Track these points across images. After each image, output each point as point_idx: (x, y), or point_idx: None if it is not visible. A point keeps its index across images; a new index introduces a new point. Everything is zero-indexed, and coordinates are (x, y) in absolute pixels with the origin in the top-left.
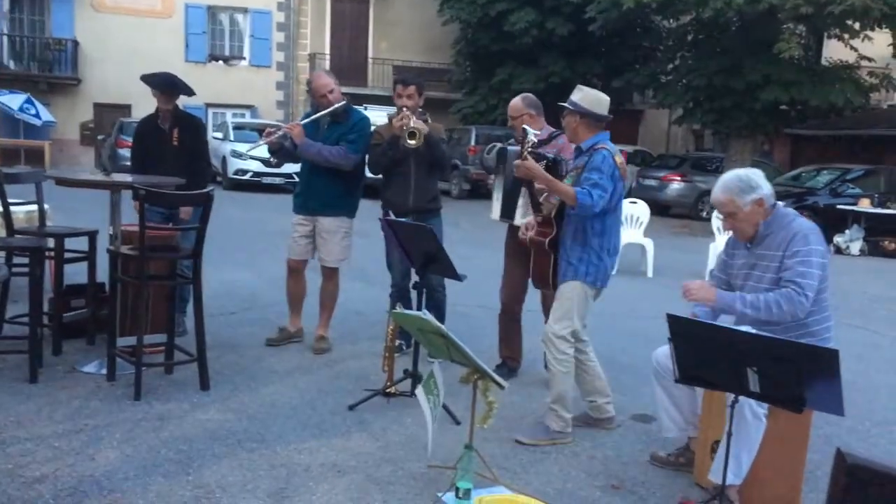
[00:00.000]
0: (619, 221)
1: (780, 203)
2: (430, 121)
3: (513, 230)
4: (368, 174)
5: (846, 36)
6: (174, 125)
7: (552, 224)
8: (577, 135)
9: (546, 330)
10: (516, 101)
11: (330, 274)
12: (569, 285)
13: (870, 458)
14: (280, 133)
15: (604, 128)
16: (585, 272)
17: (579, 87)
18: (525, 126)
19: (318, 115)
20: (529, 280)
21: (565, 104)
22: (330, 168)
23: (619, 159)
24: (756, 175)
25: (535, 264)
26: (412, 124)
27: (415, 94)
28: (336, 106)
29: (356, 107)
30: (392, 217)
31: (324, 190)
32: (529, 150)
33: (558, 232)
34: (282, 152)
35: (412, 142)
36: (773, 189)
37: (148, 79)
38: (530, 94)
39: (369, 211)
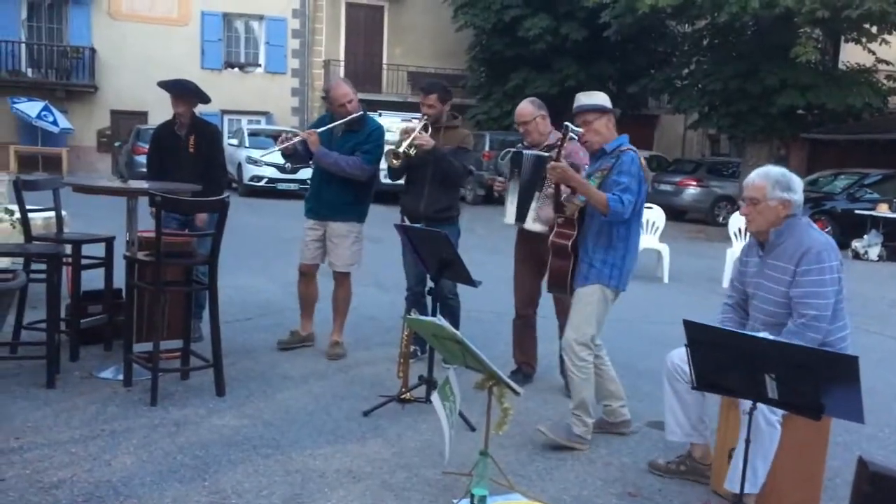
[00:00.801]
0: (641, 224)
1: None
2: (460, 126)
3: (523, 235)
4: (386, 179)
5: (863, 40)
6: (191, 132)
7: (574, 225)
8: (607, 137)
9: (566, 337)
10: (526, 106)
11: (341, 279)
12: (590, 289)
13: (892, 465)
14: (297, 139)
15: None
16: (609, 275)
17: (585, 92)
18: (567, 123)
19: (335, 124)
20: (542, 284)
21: (596, 108)
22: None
23: (643, 161)
24: (798, 182)
25: (553, 267)
26: (407, 142)
27: (436, 102)
28: (353, 116)
29: (371, 114)
30: (407, 223)
31: (334, 195)
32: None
33: (579, 234)
34: (295, 156)
35: (395, 161)
36: (802, 203)
37: (164, 84)
38: (535, 98)
39: (383, 217)
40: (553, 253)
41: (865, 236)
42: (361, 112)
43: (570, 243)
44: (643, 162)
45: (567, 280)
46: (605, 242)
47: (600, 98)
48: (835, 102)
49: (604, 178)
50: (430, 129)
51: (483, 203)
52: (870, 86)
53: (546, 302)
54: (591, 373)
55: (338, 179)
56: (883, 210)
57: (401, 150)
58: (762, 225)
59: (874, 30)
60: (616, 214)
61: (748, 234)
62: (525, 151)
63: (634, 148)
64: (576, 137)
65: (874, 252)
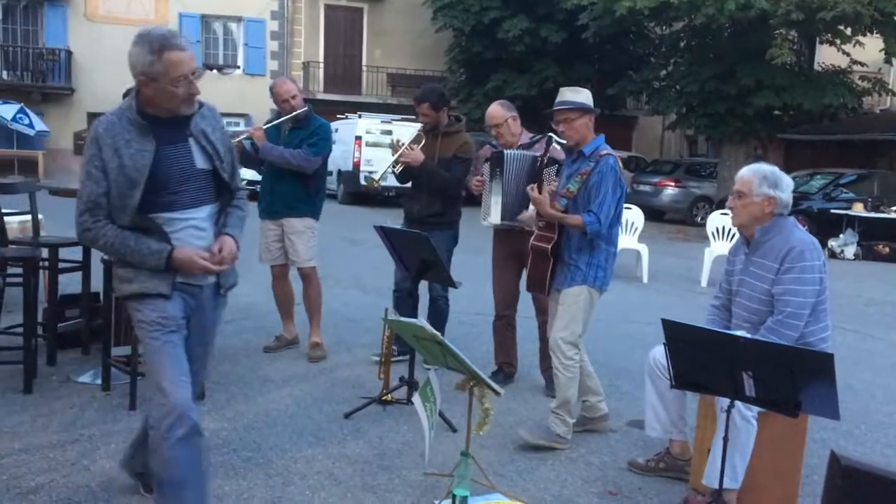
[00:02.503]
0: (620, 223)
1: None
2: (462, 131)
3: (500, 236)
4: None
5: (838, 41)
6: None
7: (554, 228)
8: (585, 137)
9: (553, 336)
10: (497, 108)
11: (308, 276)
12: (576, 289)
13: (864, 460)
14: (243, 136)
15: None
16: (595, 277)
17: (572, 88)
18: (551, 134)
19: (281, 120)
20: (520, 284)
21: (579, 106)
22: (292, 171)
23: (620, 163)
24: (788, 182)
25: (532, 270)
26: (390, 164)
27: (429, 111)
28: (298, 111)
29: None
30: (389, 224)
31: (287, 189)
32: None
33: (560, 236)
34: (244, 156)
35: (376, 184)
36: (790, 203)
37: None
38: (504, 100)
39: (364, 218)
40: (533, 255)
41: (841, 235)
42: (306, 108)
43: (550, 247)
44: (620, 165)
45: (546, 282)
46: (589, 245)
47: (584, 96)
48: (810, 103)
49: (584, 181)
50: (423, 141)
51: (466, 204)
52: (845, 86)
53: (526, 302)
54: (577, 372)
55: (289, 175)
56: (858, 209)
57: (377, 176)
58: (745, 219)
59: (848, 31)
60: (595, 234)
61: (733, 235)
62: (507, 151)
63: (612, 151)
64: (559, 147)
65: (850, 251)
